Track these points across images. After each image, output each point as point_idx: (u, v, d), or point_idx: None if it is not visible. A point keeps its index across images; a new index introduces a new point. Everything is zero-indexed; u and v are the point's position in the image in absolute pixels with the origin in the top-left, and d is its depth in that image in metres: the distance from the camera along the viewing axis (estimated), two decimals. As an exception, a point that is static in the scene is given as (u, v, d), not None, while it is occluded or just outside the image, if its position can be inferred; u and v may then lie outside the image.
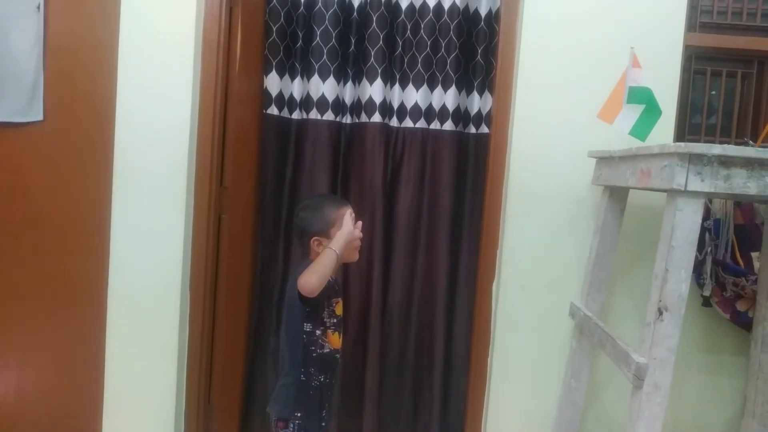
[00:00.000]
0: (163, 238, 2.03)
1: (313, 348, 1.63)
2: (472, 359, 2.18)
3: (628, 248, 1.98)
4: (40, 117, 2.02)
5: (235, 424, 2.23)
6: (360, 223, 1.71)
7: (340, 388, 2.26)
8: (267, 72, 2.22)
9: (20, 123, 2.01)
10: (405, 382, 2.33)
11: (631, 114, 1.75)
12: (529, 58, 2.03)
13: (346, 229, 1.63)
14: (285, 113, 2.28)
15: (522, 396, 2.10)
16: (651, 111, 1.74)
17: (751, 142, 1.99)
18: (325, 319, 1.65)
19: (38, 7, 1.98)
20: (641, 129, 1.75)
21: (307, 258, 1.68)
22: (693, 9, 2.10)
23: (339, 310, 1.71)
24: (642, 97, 1.73)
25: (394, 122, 2.27)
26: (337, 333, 1.69)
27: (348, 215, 1.66)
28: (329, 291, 1.63)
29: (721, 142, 2.16)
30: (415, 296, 2.31)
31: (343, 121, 2.28)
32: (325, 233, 1.65)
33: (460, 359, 2.29)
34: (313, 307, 1.61)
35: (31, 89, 2.00)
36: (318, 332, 1.64)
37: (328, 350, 1.66)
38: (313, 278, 1.50)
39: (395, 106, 2.27)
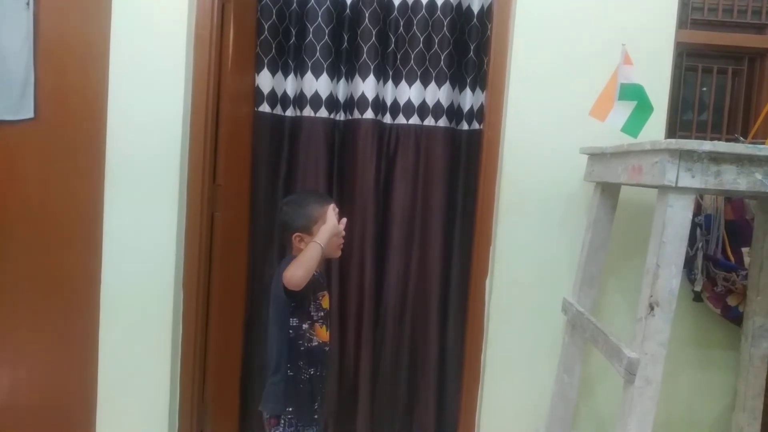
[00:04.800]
0: (156, 235, 2.02)
1: (301, 342, 1.64)
2: (466, 354, 2.19)
3: (620, 244, 1.99)
4: (31, 114, 2.01)
5: (229, 422, 2.23)
6: (345, 219, 1.71)
7: (334, 382, 2.27)
8: (259, 69, 2.21)
9: (11, 121, 2.00)
10: (399, 377, 2.33)
11: (623, 111, 1.75)
12: (521, 55, 2.03)
13: (330, 223, 1.64)
14: (278, 110, 2.27)
15: (515, 391, 2.11)
16: (643, 108, 1.75)
17: (741, 138, 2.00)
18: (312, 313, 1.66)
19: (27, 4, 1.97)
20: (633, 126, 1.75)
21: (289, 254, 1.69)
22: (684, 6, 2.11)
23: (325, 303, 1.72)
24: (634, 93, 1.74)
25: (387, 119, 2.27)
26: (324, 326, 1.70)
27: (331, 210, 1.67)
28: (314, 285, 1.64)
29: (711, 139, 2.18)
30: (409, 292, 2.31)
31: (337, 118, 2.28)
32: (307, 230, 1.66)
33: (454, 355, 2.30)
34: (299, 301, 1.62)
35: (22, 87, 1.99)
36: (305, 326, 1.65)
37: (316, 343, 1.67)
38: (299, 271, 1.51)
39: (388, 102, 2.27)
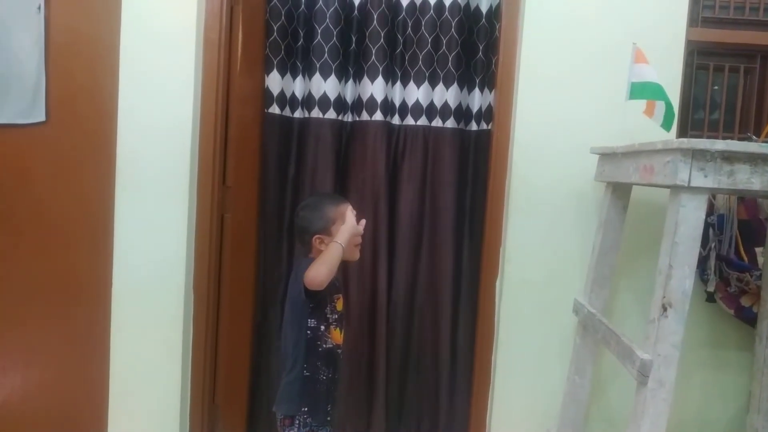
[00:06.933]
0: (166, 237, 2.03)
1: (318, 343, 1.65)
2: (476, 356, 2.18)
3: (632, 244, 1.97)
4: (42, 118, 2.02)
5: (239, 423, 2.23)
6: (363, 220, 1.73)
7: (347, 383, 2.27)
8: (268, 71, 2.22)
9: (23, 124, 2.01)
10: (410, 378, 2.33)
11: (661, 108, 1.72)
12: (530, 54, 2.02)
13: (350, 223, 1.66)
14: (287, 112, 2.28)
15: (526, 392, 2.10)
16: (667, 105, 1.72)
17: (754, 137, 1.98)
18: (327, 315, 1.67)
19: (39, 8, 1.98)
20: (668, 121, 1.72)
21: (308, 256, 1.70)
22: (695, 4, 2.10)
23: (340, 305, 1.73)
24: (647, 92, 1.71)
25: (396, 120, 2.27)
26: (338, 329, 1.71)
27: (349, 211, 1.69)
28: (330, 287, 1.65)
29: (724, 138, 2.15)
30: (419, 294, 2.31)
31: (345, 119, 2.28)
32: (326, 231, 1.67)
33: (465, 356, 2.29)
34: (318, 302, 1.63)
35: (33, 90, 2.01)
36: (322, 328, 1.66)
37: (331, 345, 1.68)
38: (322, 270, 1.53)
39: (397, 103, 2.27)
